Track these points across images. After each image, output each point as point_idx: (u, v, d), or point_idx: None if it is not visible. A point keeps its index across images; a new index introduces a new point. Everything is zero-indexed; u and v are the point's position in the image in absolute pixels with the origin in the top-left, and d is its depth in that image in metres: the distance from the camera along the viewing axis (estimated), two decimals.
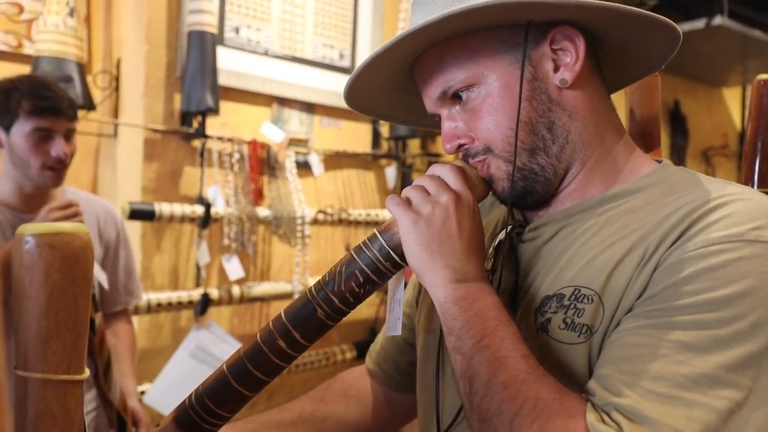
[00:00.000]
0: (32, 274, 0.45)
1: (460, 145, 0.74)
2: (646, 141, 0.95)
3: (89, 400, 1.60)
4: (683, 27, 4.14)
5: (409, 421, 0.98)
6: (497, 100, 0.71)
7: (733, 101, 6.21)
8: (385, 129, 2.78)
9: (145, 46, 2.16)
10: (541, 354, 0.64)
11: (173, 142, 2.23)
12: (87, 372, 0.50)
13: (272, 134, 2.33)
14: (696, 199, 0.65)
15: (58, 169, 1.42)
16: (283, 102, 2.48)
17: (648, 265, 0.63)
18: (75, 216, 1.40)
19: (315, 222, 2.42)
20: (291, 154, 2.41)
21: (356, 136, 2.74)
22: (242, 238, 2.26)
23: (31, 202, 1.45)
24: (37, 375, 0.46)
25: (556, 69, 0.71)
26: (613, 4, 0.68)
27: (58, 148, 1.40)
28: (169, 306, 2.09)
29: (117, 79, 2.23)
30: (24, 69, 1.98)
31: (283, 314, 0.72)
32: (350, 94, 0.79)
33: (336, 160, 2.65)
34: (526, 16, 0.69)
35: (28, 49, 2.08)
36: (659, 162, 0.77)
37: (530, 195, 0.74)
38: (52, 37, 1.94)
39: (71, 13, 1.98)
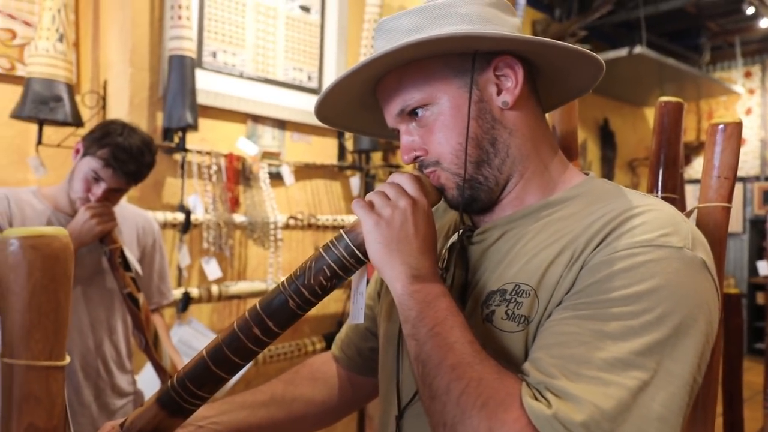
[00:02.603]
0: (16, 273, 0.45)
1: (416, 157, 0.74)
2: (566, 153, 0.97)
3: (126, 386, 1.63)
4: (609, 55, 4.24)
5: (369, 401, 0.98)
6: (448, 119, 0.72)
7: (652, 118, 6.41)
8: (349, 143, 2.77)
9: (129, 69, 2.13)
10: (485, 341, 0.65)
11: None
12: (67, 359, 0.49)
13: (247, 148, 2.31)
14: (616, 208, 0.66)
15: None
16: (257, 119, 2.46)
17: (576, 265, 0.64)
18: (106, 215, 1.42)
19: (287, 227, 2.41)
20: (264, 166, 2.39)
21: (324, 149, 2.74)
22: (220, 242, 2.24)
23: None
24: (22, 362, 0.46)
25: (498, 92, 0.72)
26: (544, 39, 0.70)
27: (96, 192, 1.42)
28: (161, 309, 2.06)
29: (104, 98, 2.19)
30: (16, 90, 1.94)
31: (258, 305, 0.71)
32: (320, 110, 0.79)
33: (305, 171, 2.64)
34: (473, 47, 0.70)
35: (20, 71, 2.04)
36: (587, 174, 0.78)
37: (476, 202, 0.75)
38: (43, 61, 1.89)
39: (61, 38, 1.94)
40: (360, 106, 0.81)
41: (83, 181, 1.41)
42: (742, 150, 4.48)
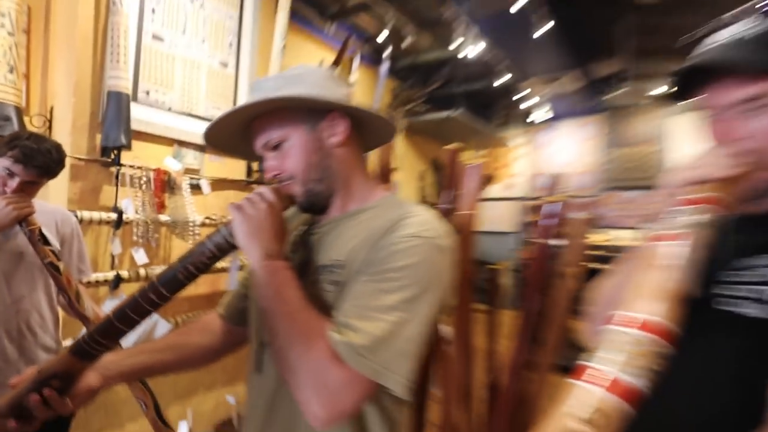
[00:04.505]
0: None
1: (275, 174, 0.74)
2: (383, 179, 1.02)
3: (51, 343, 1.43)
4: (440, 114, 4.45)
5: (243, 346, 0.94)
6: (297, 151, 0.73)
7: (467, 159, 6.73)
8: (255, 164, 2.65)
9: (73, 99, 1.88)
10: (315, 298, 0.67)
11: (95, 167, 1.96)
12: None
13: (172, 165, 2.14)
14: (399, 213, 0.70)
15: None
16: (182, 143, 2.29)
17: (372, 248, 0.67)
18: (23, 203, 1.23)
19: (203, 225, 2.27)
20: (187, 179, 2.23)
21: (235, 167, 2.60)
22: (147, 236, 2.05)
23: None
24: None
25: (331, 136, 0.74)
26: (353, 106, 0.73)
27: (11, 185, 1.24)
28: (90, 283, 1.84)
29: (50, 121, 1.92)
30: None
31: (155, 278, 0.69)
32: (209, 137, 0.78)
33: (220, 184, 2.49)
34: (313, 105, 0.72)
35: None
36: (389, 192, 0.82)
37: (315, 206, 0.76)
38: None
39: (11, 70, 1.69)
40: (239, 137, 0.79)
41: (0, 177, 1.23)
42: (518, 179, 4.91)
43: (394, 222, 0.68)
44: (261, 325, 0.76)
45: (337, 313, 0.63)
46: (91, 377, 0.73)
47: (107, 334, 0.68)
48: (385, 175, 1.06)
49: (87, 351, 0.68)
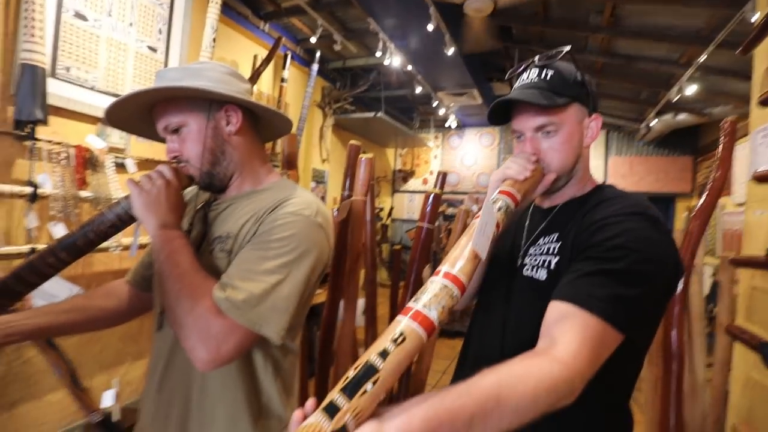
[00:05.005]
0: None
1: (175, 156, 0.75)
2: (289, 164, 1.05)
3: None
4: (365, 114, 4.53)
5: (147, 311, 0.92)
6: (194, 136, 0.73)
7: (390, 155, 6.89)
8: None
9: None
10: (208, 264, 0.69)
11: (6, 141, 1.74)
12: None
13: (95, 143, 1.97)
14: (286, 195, 0.73)
15: None
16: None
17: (257, 223, 0.70)
18: None
19: None
20: (111, 157, 2.06)
21: (162, 148, 2.45)
22: (66, 211, 1.88)
23: None
24: None
25: (227, 124, 0.75)
26: (245, 99, 0.73)
27: None
28: (2, 257, 1.65)
29: None
30: None
31: (57, 242, 0.67)
32: (109, 115, 0.74)
33: (147, 164, 2.33)
34: (210, 96, 0.72)
35: None
36: (285, 175, 0.85)
37: (212, 186, 0.77)
38: None
39: None
40: (140, 119, 0.78)
41: None
42: (433, 176, 5.13)
43: (280, 202, 0.71)
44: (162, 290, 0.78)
45: (223, 275, 0.65)
46: None
47: (4, 292, 0.66)
48: (290, 162, 1.09)
49: None
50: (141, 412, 0.79)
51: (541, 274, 0.66)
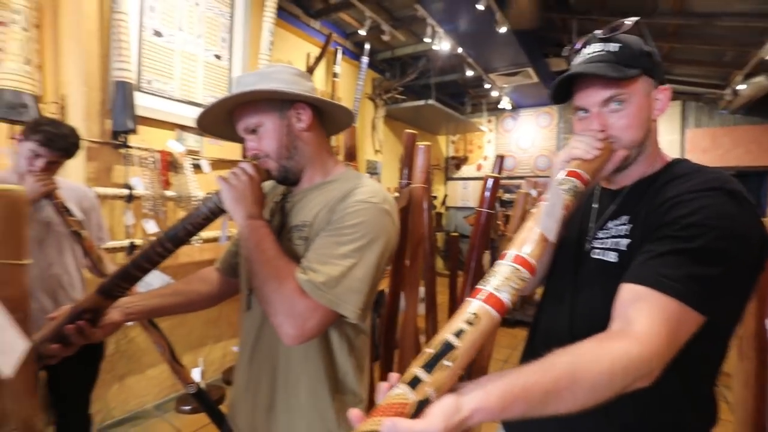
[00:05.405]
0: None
1: (254, 153, 0.78)
2: (350, 157, 1.10)
3: (78, 296, 1.48)
4: (416, 103, 4.50)
5: (234, 294, 0.98)
6: (270, 134, 0.77)
7: (443, 142, 6.77)
8: None
9: (84, 88, 1.92)
10: (288, 249, 0.73)
11: (106, 149, 2.01)
12: (30, 260, 0.50)
13: (175, 147, 2.19)
14: (353, 184, 0.75)
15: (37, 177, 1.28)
16: (183, 128, 2.34)
17: (331, 211, 0.73)
18: (48, 180, 1.29)
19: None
20: (189, 159, 2.28)
21: (232, 149, 2.65)
22: (156, 209, 2.13)
23: None
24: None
25: (298, 121, 0.78)
26: (315, 96, 0.77)
27: (37, 165, 1.28)
28: (108, 250, 1.90)
29: (63, 108, 1.96)
30: None
31: (163, 234, 0.74)
32: (200, 122, 0.81)
33: (219, 164, 2.54)
34: (283, 97, 0.76)
35: None
36: (349, 166, 0.86)
37: (287, 179, 0.80)
38: (12, 77, 1.67)
39: (26, 62, 1.72)
40: (224, 123, 0.83)
41: (26, 159, 1.28)
42: (487, 161, 4.97)
43: (348, 191, 0.74)
44: (248, 273, 0.80)
45: (303, 260, 0.69)
46: (114, 313, 0.79)
47: (125, 278, 0.74)
48: (350, 154, 1.14)
49: (110, 291, 0.74)
50: (234, 382, 0.86)
51: (612, 257, 0.64)
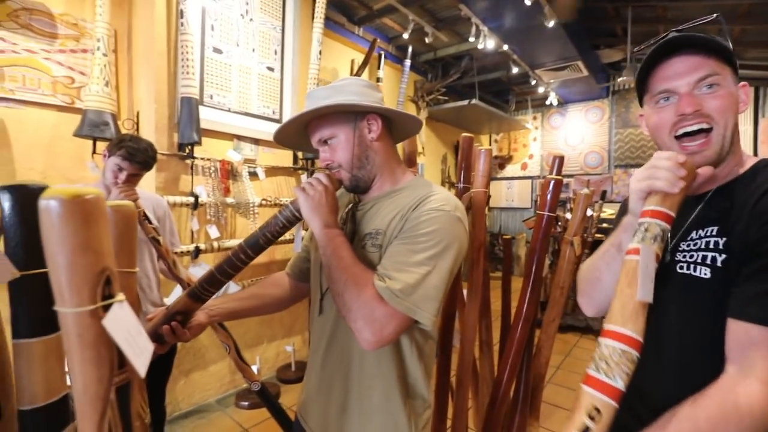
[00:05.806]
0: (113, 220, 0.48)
1: (327, 164, 0.81)
2: (409, 162, 1.10)
3: (158, 300, 1.60)
4: (458, 103, 4.42)
5: (304, 298, 1.01)
6: (343, 145, 0.79)
7: (485, 142, 6.62)
8: (300, 153, 2.79)
9: (154, 105, 2.08)
10: (365, 258, 0.74)
11: (174, 160, 2.17)
12: (137, 268, 0.55)
13: (233, 156, 2.31)
14: (423, 192, 0.76)
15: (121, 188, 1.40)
16: (240, 138, 2.46)
17: (403, 219, 0.73)
18: (131, 191, 1.40)
19: (261, 205, 2.43)
20: (246, 167, 2.40)
21: (284, 157, 2.75)
22: (218, 215, 2.26)
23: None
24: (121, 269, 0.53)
25: (369, 132, 0.80)
26: (387, 107, 0.79)
27: (121, 177, 1.41)
28: (175, 254, 2.05)
29: (137, 124, 2.14)
30: (75, 117, 1.86)
31: (243, 242, 0.78)
32: (277, 137, 0.85)
33: (273, 171, 2.65)
34: (355, 109, 0.78)
35: (78, 105, 1.95)
36: (415, 174, 0.88)
37: (358, 188, 0.82)
38: (95, 98, 1.83)
39: (106, 84, 1.88)
40: (298, 135, 0.87)
41: (111, 172, 1.41)
42: (533, 159, 4.81)
43: (421, 199, 0.74)
44: (321, 278, 0.82)
45: (379, 267, 0.69)
46: (200, 315, 0.83)
47: (212, 283, 0.79)
48: (411, 160, 1.15)
49: (198, 295, 0.78)
50: (306, 385, 0.87)
51: (704, 272, 0.59)
